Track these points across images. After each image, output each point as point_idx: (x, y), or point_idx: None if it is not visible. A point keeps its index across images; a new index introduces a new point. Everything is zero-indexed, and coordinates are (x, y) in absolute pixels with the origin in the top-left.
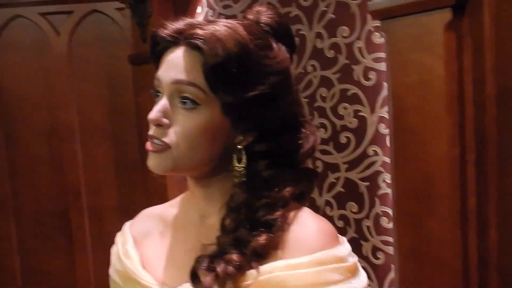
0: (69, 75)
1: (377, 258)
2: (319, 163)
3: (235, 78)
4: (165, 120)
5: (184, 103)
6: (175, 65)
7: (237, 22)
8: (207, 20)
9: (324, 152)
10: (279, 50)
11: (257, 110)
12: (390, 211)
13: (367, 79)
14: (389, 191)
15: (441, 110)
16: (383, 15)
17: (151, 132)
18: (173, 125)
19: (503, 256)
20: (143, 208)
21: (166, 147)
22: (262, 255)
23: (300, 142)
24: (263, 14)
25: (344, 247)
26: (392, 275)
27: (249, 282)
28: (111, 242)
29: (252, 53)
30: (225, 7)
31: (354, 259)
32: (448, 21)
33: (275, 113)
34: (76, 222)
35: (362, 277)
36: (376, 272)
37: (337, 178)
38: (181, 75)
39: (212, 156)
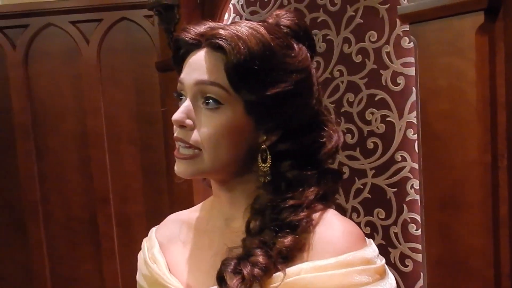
0: (98, 82)
1: (405, 266)
2: (345, 169)
3: (258, 76)
4: (189, 121)
5: (207, 103)
6: (197, 66)
7: (258, 24)
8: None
9: (351, 157)
10: (300, 49)
11: (279, 108)
12: (418, 218)
13: (395, 84)
14: (417, 197)
15: (472, 115)
16: (413, 19)
17: (175, 134)
18: (197, 126)
19: None
20: (169, 214)
21: (193, 154)
22: (288, 256)
23: (323, 141)
24: (282, 17)
25: (371, 249)
26: (421, 283)
27: (276, 284)
28: (139, 248)
29: (274, 51)
30: (252, 13)
31: (382, 261)
32: (480, 25)
33: (298, 111)
34: (104, 228)
35: (391, 279)
36: (404, 280)
37: (364, 184)
38: (204, 76)
39: (236, 156)
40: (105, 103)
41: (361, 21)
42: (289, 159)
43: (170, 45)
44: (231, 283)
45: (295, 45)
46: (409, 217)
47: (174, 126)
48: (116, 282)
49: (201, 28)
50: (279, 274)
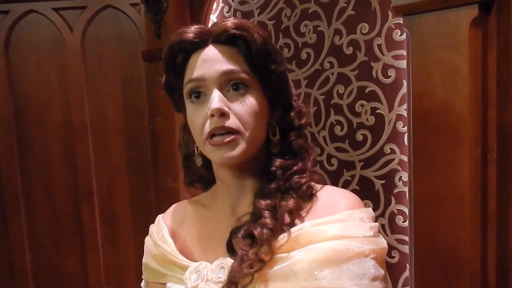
0: (82, 73)
1: (391, 257)
2: (334, 161)
3: (271, 57)
4: (226, 109)
5: (236, 88)
6: (216, 59)
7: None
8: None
9: (340, 149)
10: None
11: (282, 85)
12: (405, 210)
13: (386, 76)
14: (405, 189)
15: (464, 109)
16: (407, 11)
17: (213, 124)
18: (232, 112)
19: None
20: (155, 208)
21: (234, 137)
22: (292, 218)
23: (303, 106)
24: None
25: (368, 211)
26: (406, 274)
27: (282, 242)
28: (123, 242)
29: (267, 36)
30: (242, 3)
31: (376, 223)
32: (474, 18)
33: (290, 86)
34: (87, 222)
35: (383, 240)
36: (390, 271)
37: (352, 176)
38: (228, 65)
39: (264, 135)
40: (90, 94)
41: (353, 12)
42: (290, 131)
43: (158, 35)
44: (241, 246)
45: None
46: (397, 209)
47: (201, 121)
48: (99, 276)
49: (199, 28)
50: (284, 235)
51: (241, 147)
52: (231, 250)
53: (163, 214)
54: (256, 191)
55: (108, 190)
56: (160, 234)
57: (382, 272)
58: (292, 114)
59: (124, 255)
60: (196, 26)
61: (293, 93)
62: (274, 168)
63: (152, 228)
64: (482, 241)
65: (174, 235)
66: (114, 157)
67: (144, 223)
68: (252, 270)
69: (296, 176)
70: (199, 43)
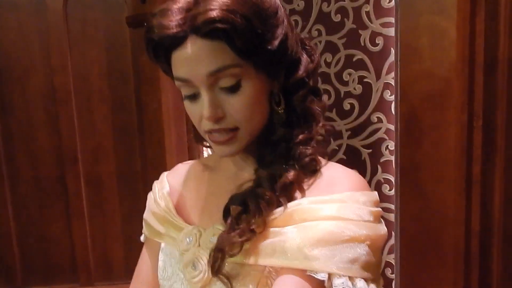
0: (65, 36)
1: None
2: (321, 130)
3: (260, 36)
4: (220, 111)
5: (228, 88)
6: (200, 58)
7: None
8: None
9: (327, 119)
10: None
11: (282, 52)
12: (392, 178)
13: (374, 44)
14: (391, 158)
15: (451, 75)
16: None
17: (209, 126)
18: (228, 111)
19: (507, 220)
20: (141, 174)
21: (232, 136)
22: (291, 191)
23: (314, 60)
24: None
25: (372, 195)
26: (392, 241)
27: (276, 215)
28: (108, 208)
29: (255, 3)
30: None
31: (378, 209)
32: None
33: (291, 48)
34: (72, 188)
35: (383, 226)
36: None
37: (339, 145)
38: (214, 65)
39: (266, 114)
40: (74, 58)
41: None
42: (296, 93)
43: (142, 0)
44: (234, 214)
45: None
46: (383, 178)
47: (197, 117)
48: (85, 242)
49: (177, 15)
50: (281, 208)
51: (241, 141)
52: (226, 217)
53: (168, 172)
54: (259, 160)
55: (93, 156)
56: (161, 192)
57: (374, 260)
58: (299, 72)
59: (110, 221)
60: (176, 18)
61: (295, 45)
62: (277, 138)
63: (155, 184)
64: (467, 207)
65: (175, 194)
66: (99, 123)
67: (130, 189)
68: (240, 239)
69: (301, 147)
70: (180, 39)
